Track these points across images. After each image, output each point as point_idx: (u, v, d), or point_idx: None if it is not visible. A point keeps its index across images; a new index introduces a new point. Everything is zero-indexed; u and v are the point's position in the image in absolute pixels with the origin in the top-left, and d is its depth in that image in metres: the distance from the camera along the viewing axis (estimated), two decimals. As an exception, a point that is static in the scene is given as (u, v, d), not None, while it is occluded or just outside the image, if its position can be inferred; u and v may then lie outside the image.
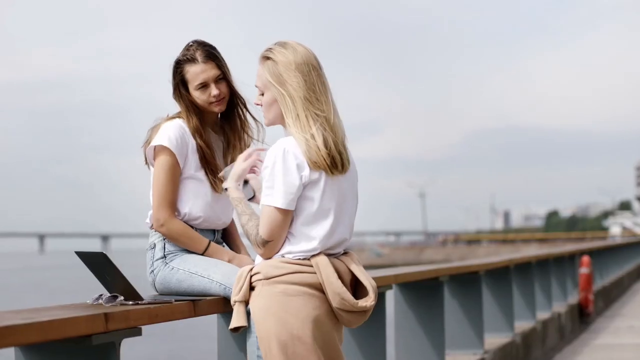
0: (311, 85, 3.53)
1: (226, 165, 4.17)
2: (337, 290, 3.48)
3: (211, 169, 4.11)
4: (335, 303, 3.49)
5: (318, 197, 3.51)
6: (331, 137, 3.50)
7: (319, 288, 3.50)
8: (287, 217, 3.50)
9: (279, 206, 3.47)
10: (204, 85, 4.09)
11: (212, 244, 4.09)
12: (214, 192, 4.12)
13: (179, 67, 4.12)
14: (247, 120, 4.24)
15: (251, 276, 3.56)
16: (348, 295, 3.50)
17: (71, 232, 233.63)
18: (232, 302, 3.59)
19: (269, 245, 3.52)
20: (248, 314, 3.55)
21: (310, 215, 3.52)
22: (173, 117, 4.15)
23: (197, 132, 4.11)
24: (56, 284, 52.61)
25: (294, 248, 3.52)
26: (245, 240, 4.21)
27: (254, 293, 3.53)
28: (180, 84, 4.12)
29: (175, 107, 4.19)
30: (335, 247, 3.59)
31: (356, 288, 3.62)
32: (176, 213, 4.08)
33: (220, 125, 4.25)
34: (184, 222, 4.08)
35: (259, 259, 3.60)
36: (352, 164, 3.65)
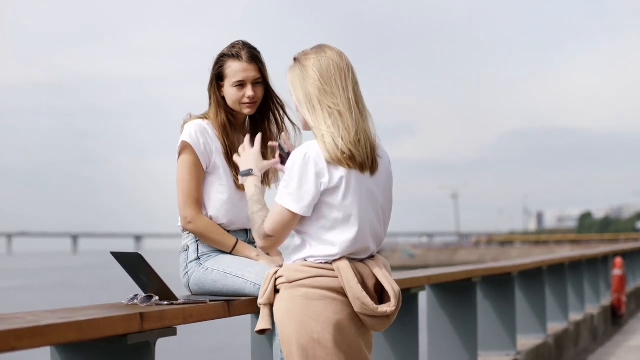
0: (328, 79, 3.51)
1: None
2: (357, 295, 3.47)
3: (236, 167, 4.09)
4: (356, 308, 3.49)
5: (338, 203, 3.49)
6: (346, 132, 3.47)
7: (342, 292, 3.49)
8: (295, 220, 3.51)
9: (291, 209, 3.48)
10: (241, 84, 4.10)
11: (240, 241, 4.11)
12: (239, 191, 4.11)
13: (220, 60, 4.13)
14: (284, 124, 4.22)
15: (276, 279, 3.58)
16: (368, 300, 3.48)
17: (104, 232, 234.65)
18: (258, 304, 3.62)
19: (270, 240, 3.55)
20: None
21: (330, 221, 3.50)
22: (197, 118, 4.16)
23: (223, 128, 4.12)
24: (90, 283, 52.91)
25: (315, 252, 3.52)
26: None
27: (278, 296, 3.56)
28: (216, 77, 4.14)
29: (204, 106, 4.21)
30: (360, 253, 3.57)
31: (383, 292, 3.59)
32: (204, 212, 4.11)
33: (250, 132, 4.20)
34: None
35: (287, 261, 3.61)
36: (385, 168, 3.62)
